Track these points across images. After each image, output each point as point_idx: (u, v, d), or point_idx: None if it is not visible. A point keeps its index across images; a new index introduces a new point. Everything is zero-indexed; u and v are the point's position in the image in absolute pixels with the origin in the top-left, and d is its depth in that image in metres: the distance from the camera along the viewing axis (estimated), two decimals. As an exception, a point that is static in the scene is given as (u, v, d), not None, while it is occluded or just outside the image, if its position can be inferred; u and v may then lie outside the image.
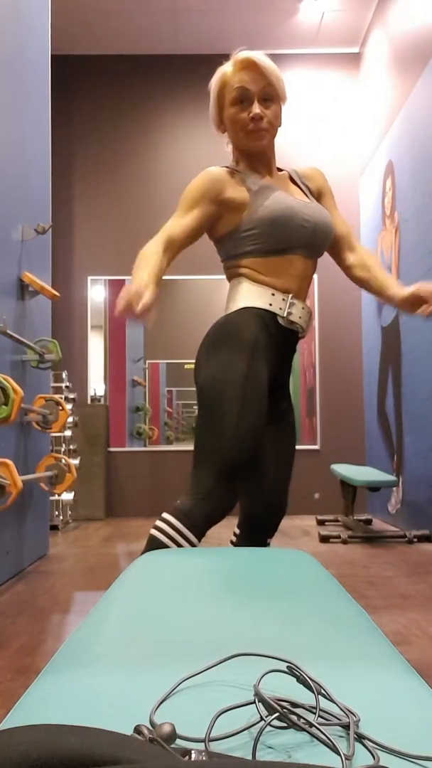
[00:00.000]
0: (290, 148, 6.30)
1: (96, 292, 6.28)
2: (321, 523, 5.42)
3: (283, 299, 1.76)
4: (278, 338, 1.77)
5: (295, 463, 6.08)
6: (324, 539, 4.45)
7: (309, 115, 6.36)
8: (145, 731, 0.49)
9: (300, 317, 1.78)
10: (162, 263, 1.64)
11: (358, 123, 6.34)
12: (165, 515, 1.70)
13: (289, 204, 1.75)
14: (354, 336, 6.22)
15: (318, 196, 1.94)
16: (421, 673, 1.70)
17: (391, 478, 4.58)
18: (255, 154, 1.83)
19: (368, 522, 5.47)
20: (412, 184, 4.78)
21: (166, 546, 1.66)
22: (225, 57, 1.83)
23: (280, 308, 1.75)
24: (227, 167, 1.83)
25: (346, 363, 6.21)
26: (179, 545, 1.66)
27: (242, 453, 1.69)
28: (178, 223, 1.74)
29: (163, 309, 6.21)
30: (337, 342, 6.23)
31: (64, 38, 6.11)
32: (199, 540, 1.70)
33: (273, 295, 1.76)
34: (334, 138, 6.35)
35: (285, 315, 1.75)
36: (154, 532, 1.69)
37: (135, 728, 0.49)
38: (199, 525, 1.68)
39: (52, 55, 6.25)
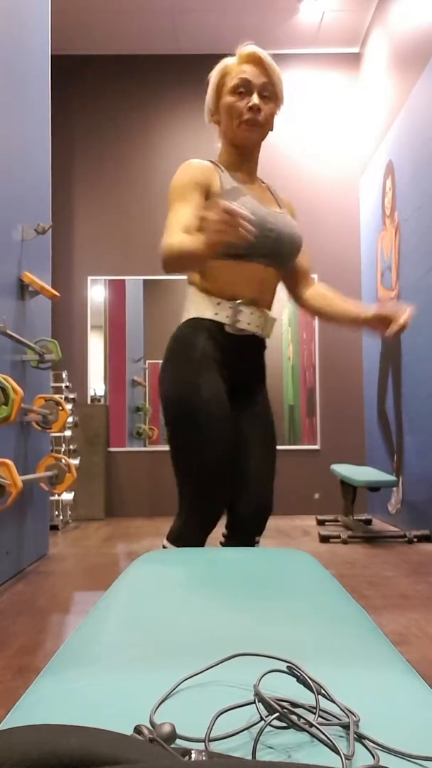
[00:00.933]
0: (290, 148, 6.30)
1: (96, 292, 6.28)
2: (321, 523, 5.42)
3: (230, 307, 1.75)
4: (229, 346, 1.77)
5: (295, 463, 6.08)
6: (324, 539, 4.45)
7: (309, 115, 6.36)
8: (145, 731, 0.49)
9: (250, 323, 1.77)
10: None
11: (358, 123, 6.34)
12: (165, 542, 1.79)
13: (255, 211, 1.72)
14: (354, 336, 6.22)
15: None
16: (421, 673, 1.70)
17: (391, 478, 4.58)
18: (241, 151, 1.81)
19: (368, 522, 5.47)
20: (412, 184, 4.78)
21: None
22: (225, 57, 1.83)
23: (227, 316, 1.75)
24: (209, 160, 1.82)
25: (346, 363, 6.21)
26: None
27: (213, 467, 1.71)
28: (185, 216, 1.67)
29: (163, 309, 6.21)
30: (337, 342, 6.23)
31: (64, 38, 6.11)
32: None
33: (219, 304, 1.75)
34: (334, 138, 6.35)
35: (231, 323, 1.75)
36: None
37: (135, 728, 0.49)
38: (195, 542, 1.74)
39: (52, 55, 6.25)
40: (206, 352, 1.74)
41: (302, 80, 6.38)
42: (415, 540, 4.36)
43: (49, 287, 3.55)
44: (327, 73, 6.40)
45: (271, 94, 1.77)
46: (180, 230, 1.64)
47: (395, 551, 4.07)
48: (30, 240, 3.58)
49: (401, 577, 3.30)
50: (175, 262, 1.60)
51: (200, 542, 1.75)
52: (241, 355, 1.81)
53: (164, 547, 1.77)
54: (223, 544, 1.94)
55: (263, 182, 1.94)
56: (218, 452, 1.70)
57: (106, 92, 6.40)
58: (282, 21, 5.95)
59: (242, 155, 1.83)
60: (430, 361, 4.36)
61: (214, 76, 1.80)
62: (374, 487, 4.66)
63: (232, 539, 1.90)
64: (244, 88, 1.74)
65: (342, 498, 5.07)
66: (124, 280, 6.20)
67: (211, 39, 6.16)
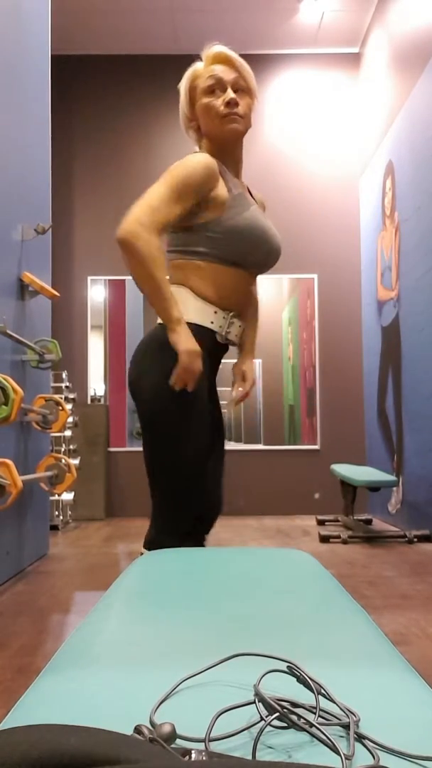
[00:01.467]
0: (290, 148, 6.30)
1: (96, 292, 6.28)
2: (321, 523, 5.42)
3: (224, 317, 1.76)
4: (213, 352, 1.79)
5: (295, 463, 6.08)
6: (324, 539, 4.45)
7: (309, 115, 6.36)
8: (145, 731, 0.49)
9: (237, 335, 1.82)
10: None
11: (358, 123, 6.34)
12: (142, 550, 1.74)
13: (262, 224, 1.75)
14: (354, 336, 6.22)
15: None
16: (421, 673, 1.70)
17: (391, 478, 4.58)
18: (228, 149, 1.80)
19: (368, 522, 5.47)
20: (412, 184, 4.78)
21: None
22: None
23: (221, 326, 1.76)
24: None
25: (346, 363, 6.21)
26: None
27: (196, 473, 1.70)
28: (169, 211, 1.62)
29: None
30: (337, 342, 6.22)
31: (64, 38, 6.11)
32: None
33: (215, 313, 1.75)
34: (334, 138, 6.35)
35: (224, 334, 1.77)
36: None
37: (135, 728, 0.49)
38: (172, 545, 1.71)
39: (52, 55, 6.25)
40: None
41: (302, 80, 6.38)
42: (415, 540, 4.36)
43: (49, 287, 3.55)
44: (327, 73, 6.40)
45: (245, 88, 1.77)
46: (157, 226, 1.59)
47: (395, 551, 4.07)
48: (30, 240, 3.58)
49: (401, 577, 3.30)
50: (134, 254, 1.57)
51: (177, 545, 1.72)
52: (218, 360, 1.84)
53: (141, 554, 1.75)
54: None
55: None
56: (203, 451, 1.70)
57: (106, 92, 6.40)
58: (282, 21, 5.95)
59: (228, 155, 1.81)
60: (430, 361, 4.36)
61: (184, 82, 1.81)
62: (374, 487, 4.66)
63: (200, 539, 1.89)
64: (217, 87, 1.75)
65: (342, 498, 5.07)
66: (124, 280, 6.20)
67: (210, 39, 6.15)
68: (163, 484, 1.70)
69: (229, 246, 1.72)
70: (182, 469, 1.68)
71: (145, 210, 1.59)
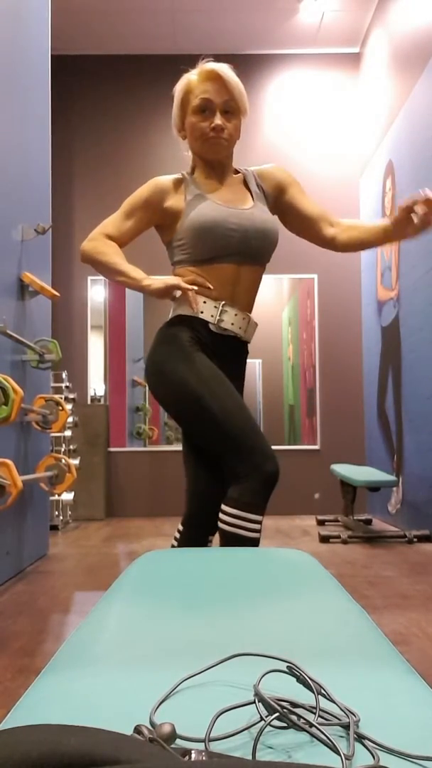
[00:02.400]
0: (290, 148, 6.30)
1: (96, 292, 6.28)
2: (321, 523, 5.42)
3: (215, 306, 1.82)
4: (213, 344, 1.84)
5: (295, 463, 6.08)
6: (324, 539, 4.45)
7: (309, 115, 6.36)
8: (145, 731, 0.49)
9: (233, 323, 1.84)
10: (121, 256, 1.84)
11: (358, 123, 6.34)
12: (223, 507, 1.75)
13: (213, 215, 1.80)
14: (354, 336, 6.22)
15: (279, 191, 1.95)
16: (421, 673, 1.70)
17: (391, 478, 4.58)
18: (212, 162, 1.89)
19: (368, 522, 5.47)
20: (412, 184, 4.78)
21: (236, 535, 1.71)
22: (225, 57, 1.86)
23: (212, 315, 1.82)
24: (178, 175, 1.91)
25: (346, 363, 6.21)
26: (245, 528, 1.71)
27: (247, 421, 1.76)
28: (117, 225, 1.87)
29: (163, 309, 6.21)
30: (337, 342, 6.23)
31: (64, 38, 6.11)
32: (258, 512, 1.73)
33: (204, 302, 1.82)
34: (334, 138, 6.35)
35: (215, 322, 1.82)
36: (219, 524, 1.74)
37: (135, 728, 0.49)
38: (254, 503, 1.72)
39: (52, 55, 6.25)
40: (194, 342, 1.82)
41: (302, 80, 6.38)
42: (415, 540, 4.36)
43: (49, 287, 3.55)
44: (327, 73, 6.40)
45: (234, 108, 1.84)
46: (103, 235, 1.85)
47: (395, 551, 4.07)
48: (30, 240, 3.58)
49: (401, 577, 3.30)
50: (87, 259, 1.84)
51: (268, 493, 1.74)
52: (224, 354, 1.86)
53: (240, 518, 1.71)
54: (177, 540, 1.92)
55: (240, 171, 1.97)
56: (238, 399, 1.78)
57: (106, 92, 6.40)
58: (282, 21, 5.95)
59: (212, 166, 1.91)
60: (430, 361, 4.36)
61: (177, 93, 1.88)
62: (374, 487, 4.66)
63: (186, 536, 1.90)
64: (206, 109, 1.82)
65: (342, 498, 5.06)
66: (124, 280, 6.20)
67: (211, 39, 6.16)
68: (234, 428, 1.73)
69: (191, 246, 1.82)
70: (230, 409, 1.75)
71: (97, 229, 1.87)
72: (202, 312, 1.81)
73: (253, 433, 1.74)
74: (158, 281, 1.76)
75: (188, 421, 1.80)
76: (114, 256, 1.82)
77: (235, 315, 1.85)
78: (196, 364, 1.77)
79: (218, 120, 1.81)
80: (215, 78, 1.81)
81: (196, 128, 1.84)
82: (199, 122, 1.83)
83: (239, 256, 1.83)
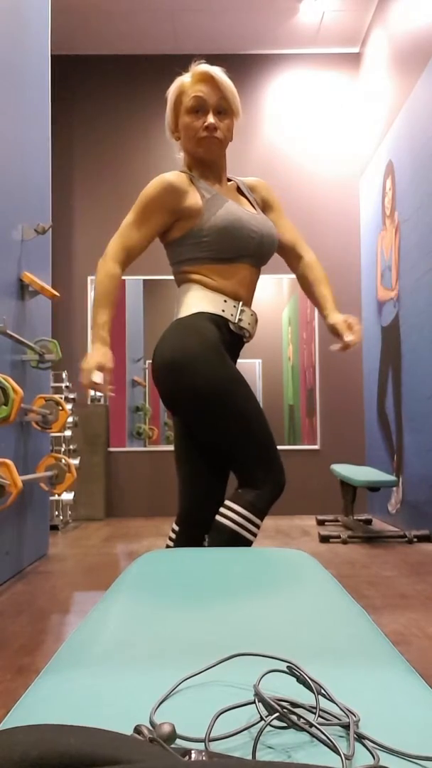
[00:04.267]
0: (290, 148, 6.30)
1: (96, 292, 6.27)
2: (321, 523, 5.42)
3: (234, 306, 1.85)
4: (230, 343, 1.87)
5: (295, 463, 6.08)
6: (324, 539, 4.45)
7: (309, 115, 6.36)
8: (145, 731, 0.49)
9: (249, 323, 1.89)
10: (117, 296, 1.82)
11: (358, 123, 6.34)
12: (231, 504, 1.78)
13: (240, 215, 1.83)
14: (354, 336, 6.21)
15: (264, 206, 2.03)
16: (421, 673, 1.71)
17: (391, 478, 4.58)
18: (206, 162, 1.90)
19: (368, 522, 5.47)
20: (412, 184, 4.78)
21: (238, 534, 1.76)
22: (225, 57, 1.87)
23: (232, 314, 1.85)
24: (184, 172, 1.90)
25: (346, 363, 6.21)
26: (248, 530, 1.77)
27: (269, 431, 1.82)
28: (135, 235, 1.83)
29: (163, 309, 6.21)
30: (337, 342, 6.21)
31: (64, 38, 6.11)
32: (262, 519, 1.81)
33: (225, 301, 1.84)
34: (334, 138, 6.35)
35: (236, 321, 1.85)
36: (222, 520, 1.77)
37: (135, 728, 0.49)
38: (264, 510, 1.79)
39: (52, 55, 6.25)
40: (220, 341, 1.82)
41: (302, 80, 6.38)
42: (415, 540, 4.36)
43: (49, 287, 3.55)
44: (327, 73, 6.40)
45: (227, 109, 1.86)
46: (124, 255, 1.83)
47: (395, 551, 4.07)
48: (30, 240, 3.58)
49: (401, 577, 3.30)
50: (95, 280, 1.83)
51: (264, 514, 1.79)
52: (233, 353, 1.92)
53: (230, 509, 1.77)
54: (172, 540, 1.92)
55: (231, 180, 2.02)
56: (261, 407, 1.83)
57: (106, 92, 6.40)
58: (282, 21, 5.95)
59: (207, 165, 1.92)
60: (430, 361, 4.36)
61: (170, 94, 1.90)
62: (374, 487, 4.66)
63: (182, 536, 1.90)
64: (199, 108, 1.84)
65: (342, 498, 5.06)
66: (124, 280, 6.20)
67: (211, 39, 6.16)
68: (262, 436, 1.78)
69: (215, 245, 1.82)
70: (258, 415, 1.79)
71: (114, 240, 1.84)
72: (223, 311, 1.83)
73: (273, 444, 1.81)
74: (87, 372, 1.73)
75: (215, 418, 1.76)
76: (107, 299, 1.80)
77: (251, 315, 1.90)
78: (228, 364, 1.78)
79: (211, 119, 1.83)
80: (208, 79, 1.83)
81: (190, 128, 1.86)
82: (193, 122, 1.85)
83: (253, 258, 1.88)
